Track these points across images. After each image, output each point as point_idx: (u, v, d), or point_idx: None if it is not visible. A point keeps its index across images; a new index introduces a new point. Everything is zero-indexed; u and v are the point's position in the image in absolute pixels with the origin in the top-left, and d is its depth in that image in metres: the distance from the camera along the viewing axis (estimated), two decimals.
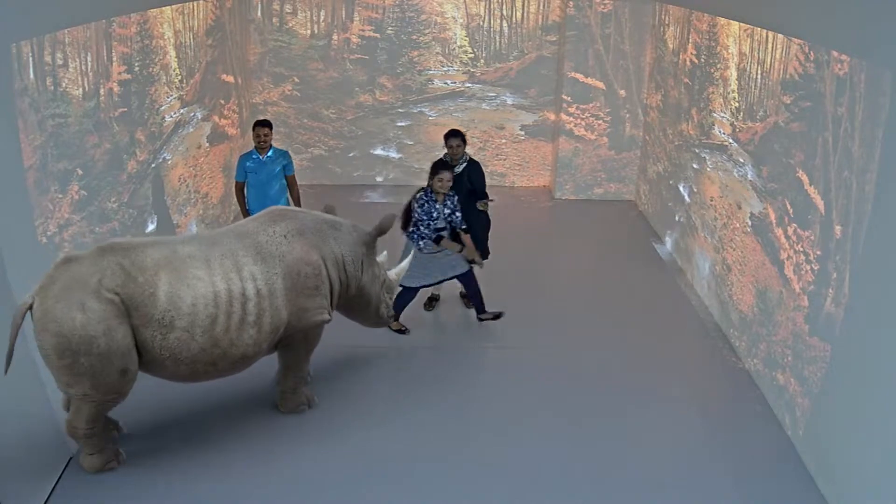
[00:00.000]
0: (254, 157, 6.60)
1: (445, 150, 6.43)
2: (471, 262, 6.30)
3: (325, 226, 5.13)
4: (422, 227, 6.10)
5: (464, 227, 6.23)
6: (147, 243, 4.44)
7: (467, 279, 6.36)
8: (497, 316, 6.51)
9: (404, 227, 6.19)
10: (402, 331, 6.41)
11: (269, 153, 6.62)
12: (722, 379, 5.84)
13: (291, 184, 6.75)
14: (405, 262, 6.00)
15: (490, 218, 6.61)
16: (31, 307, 4.06)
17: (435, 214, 6.09)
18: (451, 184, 6.05)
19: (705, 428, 5.22)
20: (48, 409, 4.52)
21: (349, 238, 5.25)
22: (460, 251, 6.18)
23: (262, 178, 6.57)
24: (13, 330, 4.01)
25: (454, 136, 6.37)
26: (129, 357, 4.24)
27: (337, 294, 5.17)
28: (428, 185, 6.09)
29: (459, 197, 6.26)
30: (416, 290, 6.34)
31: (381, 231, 5.45)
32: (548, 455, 4.90)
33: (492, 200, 6.40)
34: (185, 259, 4.42)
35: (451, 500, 4.53)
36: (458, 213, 6.16)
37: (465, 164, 6.37)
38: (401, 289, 6.15)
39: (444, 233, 6.15)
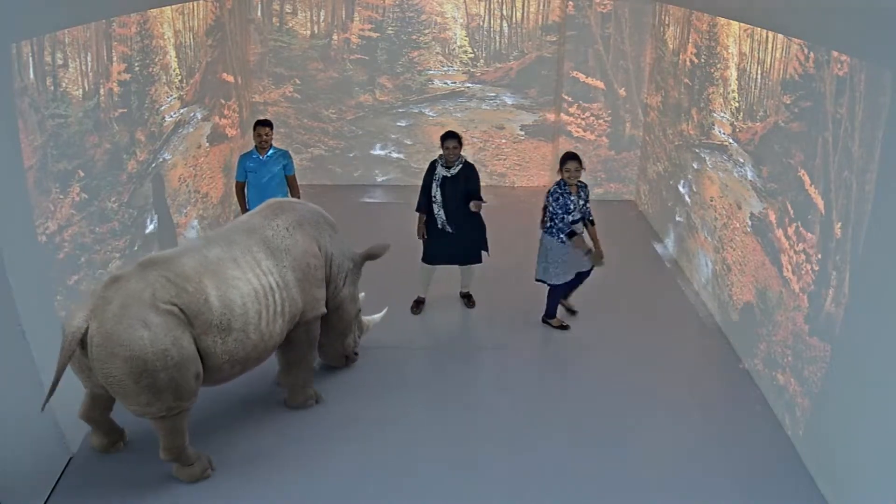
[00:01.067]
0: (254, 156, 6.60)
1: (441, 152, 6.37)
2: (593, 260, 6.33)
3: (322, 220, 5.22)
4: (557, 221, 6.11)
5: (591, 218, 6.27)
6: (177, 253, 4.43)
7: (581, 277, 6.48)
8: (563, 326, 6.56)
9: (542, 224, 6.30)
10: (563, 327, 6.52)
11: (270, 153, 6.62)
12: (722, 379, 5.84)
13: (292, 184, 6.75)
14: (377, 315, 6.02)
15: (483, 220, 6.53)
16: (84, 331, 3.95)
17: (571, 206, 6.10)
18: (580, 174, 6.06)
19: (705, 428, 5.22)
20: (48, 409, 4.51)
21: (341, 246, 5.34)
22: (587, 253, 6.23)
23: (262, 177, 6.56)
24: (65, 356, 3.92)
25: (451, 137, 6.31)
26: (197, 361, 4.26)
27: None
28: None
29: (455, 200, 6.26)
30: (563, 286, 6.41)
31: (371, 256, 5.60)
32: (548, 455, 4.90)
33: (484, 202, 6.31)
34: (217, 262, 4.46)
35: (451, 500, 4.53)
36: (587, 206, 6.20)
37: (460, 167, 6.32)
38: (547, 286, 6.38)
39: (578, 226, 6.18)
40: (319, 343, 5.48)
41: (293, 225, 4.94)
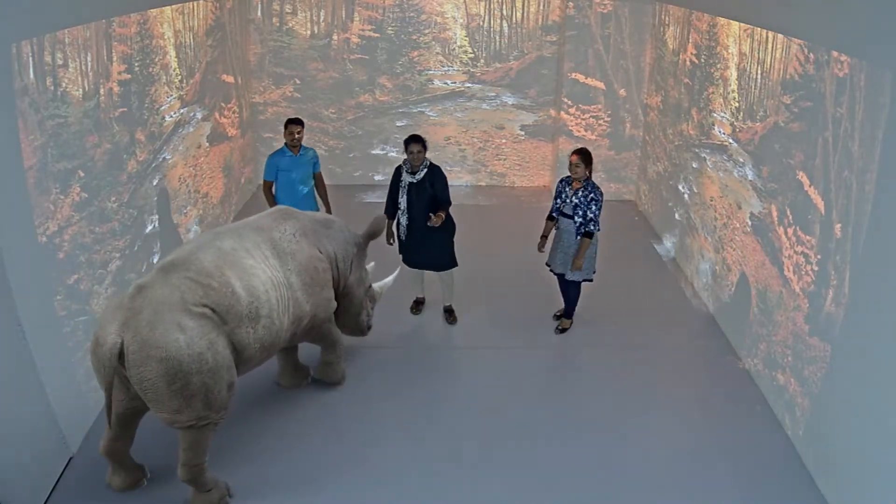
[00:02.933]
0: (287, 155, 6.54)
1: (405, 157, 6.17)
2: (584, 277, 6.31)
3: (317, 226, 5.24)
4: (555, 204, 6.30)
5: (589, 229, 6.05)
6: (192, 251, 4.40)
7: (571, 285, 6.38)
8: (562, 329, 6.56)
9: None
10: (557, 315, 6.67)
11: (302, 151, 6.59)
12: (722, 379, 5.84)
13: (319, 181, 6.72)
14: (389, 278, 6.05)
15: (455, 224, 6.40)
16: (120, 346, 3.89)
17: (563, 197, 6.18)
18: (581, 169, 6.01)
19: (705, 428, 5.22)
20: (48, 409, 4.52)
21: (340, 236, 5.38)
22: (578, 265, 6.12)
23: (295, 176, 6.50)
24: (108, 375, 3.87)
25: (414, 141, 6.07)
26: (232, 370, 4.22)
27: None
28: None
29: (420, 206, 6.10)
30: (559, 278, 6.43)
31: (372, 235, 5.63)
32: (547, 454, 4.90)
33: (440, 216, 6.04)
34: (232, 252, 4.48)
35: (452, 499, 4.54)
36: (589, 214, 6.03)
37: (425, 171, 6.11)
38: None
39: (570, 222, 6.11)
40: (337, 323, 5.64)
41: (300, 232, 4.98)
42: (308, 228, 5.10)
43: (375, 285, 5.97)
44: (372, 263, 5.98)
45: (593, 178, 6.18)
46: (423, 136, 6.22)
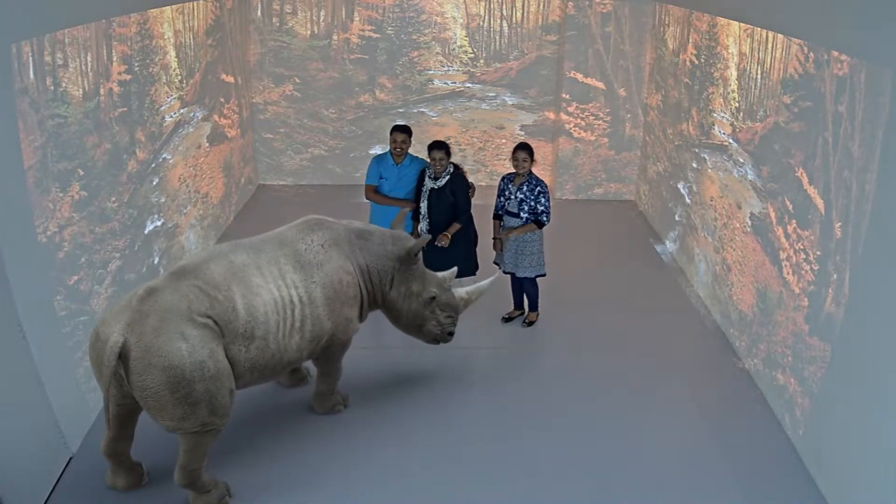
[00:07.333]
0: (388, 163, 6.29)
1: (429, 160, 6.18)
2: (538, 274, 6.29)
3: (353, 236, 5.07)
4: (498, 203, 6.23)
5: (542, 220, 6.01)
6: (205, 259, 4.38)
7: (526, 282, 6.37)
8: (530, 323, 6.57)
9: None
10: (505, 318, 6.61)
11: (406, 161, 6.31)
12: (722, 379, 5.84)
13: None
14: (485, 282, 5.72)
15: (476, 232, 6.41)
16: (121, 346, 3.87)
17: (507, 194, 6.13)
18: (528, 164, 6.00)
19: (705, 428, 5.22)
20: (48, 409, 4.52)
21: (379, 249, 5.12)
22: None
23: (396, 187, 6.26)
24: (108, 373, 3.86)
25: (437, 147, 6.07)
26: (231, 377, 4.22)
27: (366, 304, 5.14)
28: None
29: (441, 213, 6.08)
30: (512, 277, 6.41)
31: (413, 252, 5.18)
32: (547, 454, 4.90)
33: (445, 236, 6.09)
34: (243, 268, 4.42)
35: (451, 499, 4.54)
36: (540, 207, 6.01)
37: (447, 178, 6.13)
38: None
39: (517, 220, 6.08)
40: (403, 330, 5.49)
41: (329, 242, 4.84)
42: (342, 239, 4.94)
43: (463, 290, 5.61)
44: (454, 268, 5.66)
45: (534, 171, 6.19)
46: (446, 141, 6.19)
